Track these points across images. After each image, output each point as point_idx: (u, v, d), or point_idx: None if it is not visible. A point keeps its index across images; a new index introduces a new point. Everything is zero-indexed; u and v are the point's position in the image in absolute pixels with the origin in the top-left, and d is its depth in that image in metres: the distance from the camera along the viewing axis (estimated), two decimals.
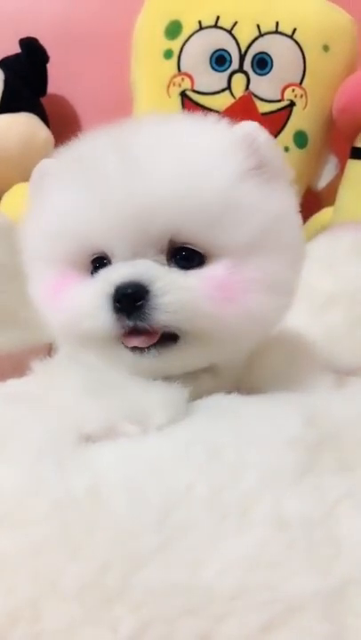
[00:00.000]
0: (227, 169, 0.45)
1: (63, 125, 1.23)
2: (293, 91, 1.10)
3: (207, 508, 0.35)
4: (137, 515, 0.35)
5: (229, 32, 1.08)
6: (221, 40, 1.08)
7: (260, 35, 1.08)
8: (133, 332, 0.44)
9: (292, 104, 1.10)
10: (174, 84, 1.10)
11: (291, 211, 0.49)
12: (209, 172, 0.45)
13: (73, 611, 0.32)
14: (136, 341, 0.45)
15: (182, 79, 1.09)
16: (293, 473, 0.37)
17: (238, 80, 1.08)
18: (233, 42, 1.08)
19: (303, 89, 1.10)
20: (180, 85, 1.10)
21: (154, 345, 0.45)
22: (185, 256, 0.45)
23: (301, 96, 1.10)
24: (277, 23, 1.08)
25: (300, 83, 1.10)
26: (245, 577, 0.33)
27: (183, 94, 1.10)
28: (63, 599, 0.32)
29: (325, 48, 1.10)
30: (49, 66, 1.20)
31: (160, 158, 0.45)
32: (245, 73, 1.08)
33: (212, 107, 1.07)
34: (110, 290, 0.44)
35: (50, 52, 1.19)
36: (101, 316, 0.44)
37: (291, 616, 0.32)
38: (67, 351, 0.57)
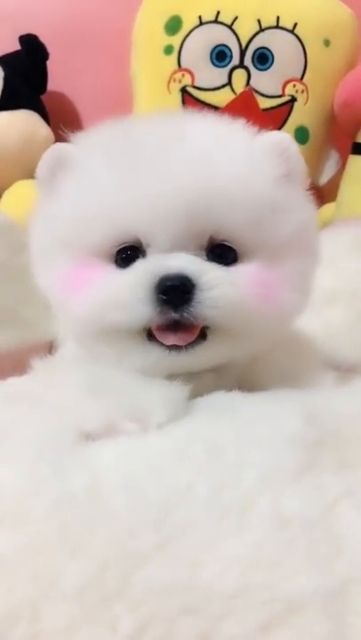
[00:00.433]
0: (268, 172, 0.47)
1: (63, 123, 1.22)
2: (294, 86, 1.09)
3: (207, 507, 0.35)
4: (137, 514, 0.35)
5: (230, 27, 1.08)
6: (222, 35, 1.08)
7: (261, 30, 1.08)
8: (170, 327, 0.44)
9: (293, 99, 1.09)
10: (175, 80, 1.09)
11: (314, 216, 0.52)
12: (256, 173, 0.46)
13: (72, 610, 0.32)
14: (174, 339, 0.44)
15: (183, 75, 1.09)
16: (293, 472, 0.37)
17: (239, 76, 1.08)
18: (233, 37, 1.07)
19: (304, 84, 1.09)
20: (180, 81, 1.09)
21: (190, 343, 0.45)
22: (220, 253, 0.46)
23: (302, 91, 1.09)
24: (278, 18, 1.08)
25: (301, 78, 1.09)
26: (245, 576, 0.33)
27: (184, 90, 1.09)
28: (63, 598, 0.32)
29: (326, 43, 1.10)
30: (49, 63, 1.20)
31: (215, 154, 0.46)
32: (246, 68, 1.08)
33: (213, 103, 1.07)
34: (153, 281, 0.43)
35: (50, 49, 1.18)
36: (139, 307, 0.43)
37: (291, 615, 0.32)
38: (70, 348, 0.57)
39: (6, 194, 1.11)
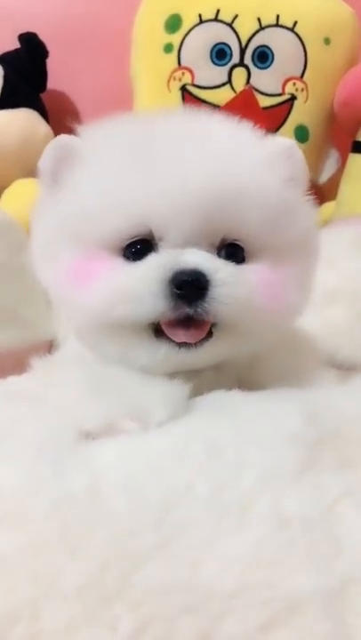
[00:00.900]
0: (280, 175, 0.48)
1: (63, 121, 1.23)
2: (294, 84, 1.09)
3: (207, 507, 0.35)
4: (136, 513, 0.35)
5: (230, 25, 1.07)
6: (222, 33, 1.07)
7: (261, 28, 1.07)
8: (180, 323, 0.44)
9: (293, 98, 1.09)
10: (174, 79, 1.09)
11: (315, 219, 0.53)
12: (270, 175, 0.47)
13: (72, 610, 0.32)
14: (184, 336, 0.44)
15: (182, 73, 1.09)
16: (294, 471, 0.37)
17: (239, 74, 1.08)
18: (233, 35, 1.07)
19: (304, 82, 1.09)
20: (180, 80, 1.09)
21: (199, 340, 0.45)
22: (230, 252, 0.47)
23: (302, 90, 1.09)
24: (278, 16, 1.07)
25: (301, 76, 1.09)
26: (245, 575, 0.33)
27: (183, 89, 1.09)
28: (63, 598, 0.32)
29: (327, 41, 1.09)
30: (48, 61, 1.19)
31: (235, 154, 0.47)
32: (246, 67, 1.08)
33: (213, 101, 1.07)
34: (168, 274, 0.43)
35: (49, 48, 1.18)
36: (151, 300, 0.43)
37: (291, 615, 0.32)
38: (70, 348, 0.57)
39: (6, 192, 1.11)
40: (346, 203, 1.05)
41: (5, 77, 1.16)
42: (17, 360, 0.59)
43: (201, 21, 1.08)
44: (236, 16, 1.07)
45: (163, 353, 0.45)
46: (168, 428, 0.41)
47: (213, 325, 0.45)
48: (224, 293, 0.44)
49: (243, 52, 1.07)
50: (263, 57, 1.08)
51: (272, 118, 1.07)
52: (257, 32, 1.07)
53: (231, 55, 1.08)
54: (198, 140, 0.47)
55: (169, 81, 1.10)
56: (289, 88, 1.09)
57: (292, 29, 1.08)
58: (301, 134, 1.10)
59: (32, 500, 0.36)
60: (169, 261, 0.44)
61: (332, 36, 1.09)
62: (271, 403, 0.45)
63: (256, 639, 0.31)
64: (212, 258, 0.45)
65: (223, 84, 1.08)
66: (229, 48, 1.08)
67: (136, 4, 1.13)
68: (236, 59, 1.08)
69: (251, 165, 0.47)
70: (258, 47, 1.07)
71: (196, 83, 1.09)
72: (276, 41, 1.07)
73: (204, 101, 1.07)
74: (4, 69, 1.16)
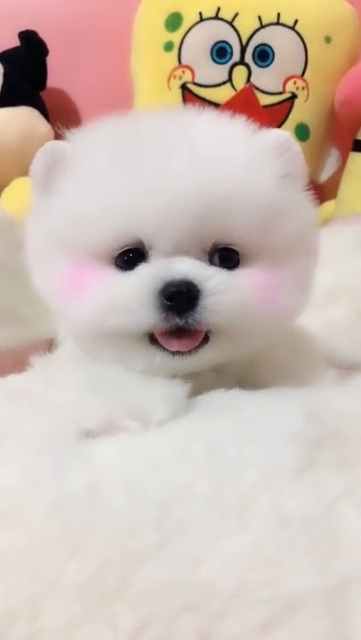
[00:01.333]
0: (272, 172, 0.46)
1: (63, 119, 1.23)
2: (295, 83, 1.09)
3: (207, 506, 0.35)
4: (137, 512, 0.35)
5: (230, 23, 1.07)
6: (222, 32, 1.07)
7: (262, 26, 1.07)
8: (173, 332, 0.43)
9: (293, 96, 1.09)
10: (175, 77, 1.09)
11: (315, 216, 0.51)
12: (261, 174, 0.45)
13: (72, 609, 0.32)
14: (178, 345, 0.44)
15: (183, 72, 1.09)
16: (294, 470, 0.37)
17: (239, 72, 1.08)
18: (234, 33, 1.07)
19: (305, 81, 1.09)
20: (180, 78, 1.09)
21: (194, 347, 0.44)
22: (224, 256, 0.45)
23: (303, 88, 1.09)
24: (279, 14, 1.07)
25: (302, 75, 1.09)
26: (245, 574, 0.33)
27: (184, 87, 1.09)
28: (63, 597, 0.32)
29: (327, 39, 1.09)
30: (48, 59, 1.19)
31: (222, 156, 0.44)
32: (247, 65, 1.08)
33: (213, 99, 1.07)
34: (157, 286, 0.42)
35: (49, 46, 1.18)
36: (143, 312, 0.43)
37: (291, 614, 0.32)
38: (69, 347, 0.57)
39: (6, 191, 1.11)
40: (346, 201, 1.05)
41: (5, 75, 1.16)
42: (17, 359, 0.59)
43: (201, 19, 1.08)
44: (236, 14, 1.07)
45: (158, 360, 0.45)
46: (168, 427, 0.41)
47: (209, 332, 0.45)
48: (215, 302, 0.43)
49: (243, 50, 1.07)
50: (264, 55, 1.08)
51: (272, 117, 1.07)
52: (257, 30, 1.07)
53: (232, 53, 1.08)
54: (184, 143, 0.45)
55: (169, 79, 1.09)
56: (289, 86, 1.09)
57: (292, 28, 1.08)
58: (302, 133, 1.10)
59: (32, 500, 0.36)
60: (159, 272, 0.43)
61: (332, 34, 1.09)
62: (271, 402, 0.45)
63: (256, 638, 0.32)
64: (203, 265, 0.44)
65: (224, 83, 1.08)
66: (230, 46, 1.07)
67: (136, 2, 1.13)
68: (236, 57, 1.08)
69: (239, 166, 0.45)
70: (258, 45, 1.07)
71: (196, 81, 1.08)
72: (277, 39, 1.07)
73: (204, 100, 1.07)
74: (4, 67, 1.16)
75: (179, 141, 0.45)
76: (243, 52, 1.07)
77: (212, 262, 0.45)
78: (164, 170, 0.43)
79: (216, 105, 1.05)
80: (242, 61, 1.08)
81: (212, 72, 1.08)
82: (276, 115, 1.08)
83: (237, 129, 0.49)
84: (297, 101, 1.09)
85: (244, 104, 1.05)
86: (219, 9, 1.07)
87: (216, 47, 1.08)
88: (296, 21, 1.08)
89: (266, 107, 1.08)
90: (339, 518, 0.35)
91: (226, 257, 0.45)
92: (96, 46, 1.22)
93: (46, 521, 0.35)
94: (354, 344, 0.70)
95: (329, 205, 1.08)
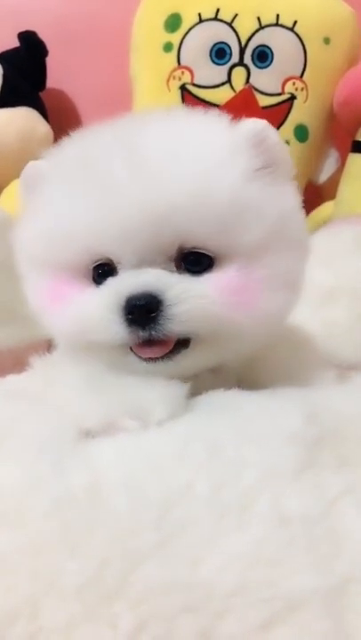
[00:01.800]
0: (236, 169, 0.44)
1: (62, 120, 1.23)
2: (294, 84, 1.09)
3: (207, 506, 0.35)
4: (136, 512, 0.35)
5: (230, 25, 1.07)
6: (221, 33, 1.07)
7: (261, 27, 1.07)
8: (147, 341, 0.43)
9: (292, 97, 1.09)
10: (174, 78, 1.09)
11: (296, 207, 0.48)
12: (219, 173, 0.44)
13: (72, 608, 0.32)
14: (150, 352, 0.44)
15: (182, 73, 1.09)
16: (293, 470, 0.37)
17: (238, 73, 1.08)
18: (233, 34, 1.07)
19: (304, 82, 1.09)
20: (179, 79, 1.09)
21: (167, 353, 0.44)
22: (194, 260, 0.44)
23: (302, 89, 1.09)
24: (278, 15, 1.07)
25: (301, 76, 1.09)
26: (245, 574, 0.33)
27: (183, 88, 1.09)
28: (62, 597, 0.32)
29: (326, 40, 1.09)
30: (48, 60, 1.19)
31: (170, 161, 0.43)
32: (246, 66, 1.08)
33: (213, 100, 1.07)
34: (121, 301, 0.42)
35: (49, 46, 1.18)
36: (113, 328, 0.43)
37: (291, 613, 0.32)
38: (67, 349, 0.57)
39: (5, 191, 1.11)
40: (345, 202, 1.05)
41: (5, 76, 1.16)
42: (16, 358, 0.59)
43: (201, 20, 1.08)
44: (235, 15, 1.07)
45: (137, 367, 0.45)
46: (168, 426, 0.41)
47: (188, 337, 0.44)
48: (177, 312, 0.42)
49: (242, 51, 1.07)
50: (263, 56, 1.08)
51: (272, 118, 1.06)
52: (257, 31, 1.07)
53: (231, 54, 1.08)
54: (135, 153, 0.44)
55: (168, 80, 1.10)
56: (289, 87, 1.09)
57: (291, 29, 1.08)
58: (301, 134, 1.11)
59: (32, 500, 0.36)
60: (121, 286, 0.43)
61: (331, 35, 1.09)
62: (271, 402, 0.45)
63: (256, 638, 0.32)
64: (166, 275, 0.43)
65: (223, 84, 1.08)
66: (229, 47, 1.08)
67: (136, 2, 1.13)
68: (235, 58, 1.08)
69: (193, 168, 0.43)
70: (258, 46, 1.07)
71: (195, 82, 1.09)
72: (276, 40, 1.07)
73: (203, 101, 1.07)
74: (4, 68, 1.16)
75: (121, 153, 0.44)
76: (242, 53, 1.07)
77: (180, 268, 0.44)
78: (109, 186, 0.43)
79: (215, 106, 1.05)
80: (241, 62, 1.08)
81: (212, 73, 1.08)
82: (275, 116, 1.08)
83: (204, 125, 0.47)
84: (296, 102, 1.09)
85: (244, 105, 1.05)
86: (218, 10, 1.07)
87: (215, 48, 1.08)
88: (295, 22, 1.08)
89: (265, 108, 1.08)
90: (339, 518, 0.35)
91: (196, 261, 0.44)
92: (96, 47, 1.22)
93: (46, 521, 0.35)
94: (354, 344, 0.70)
95: (328, 206, 1.08)
